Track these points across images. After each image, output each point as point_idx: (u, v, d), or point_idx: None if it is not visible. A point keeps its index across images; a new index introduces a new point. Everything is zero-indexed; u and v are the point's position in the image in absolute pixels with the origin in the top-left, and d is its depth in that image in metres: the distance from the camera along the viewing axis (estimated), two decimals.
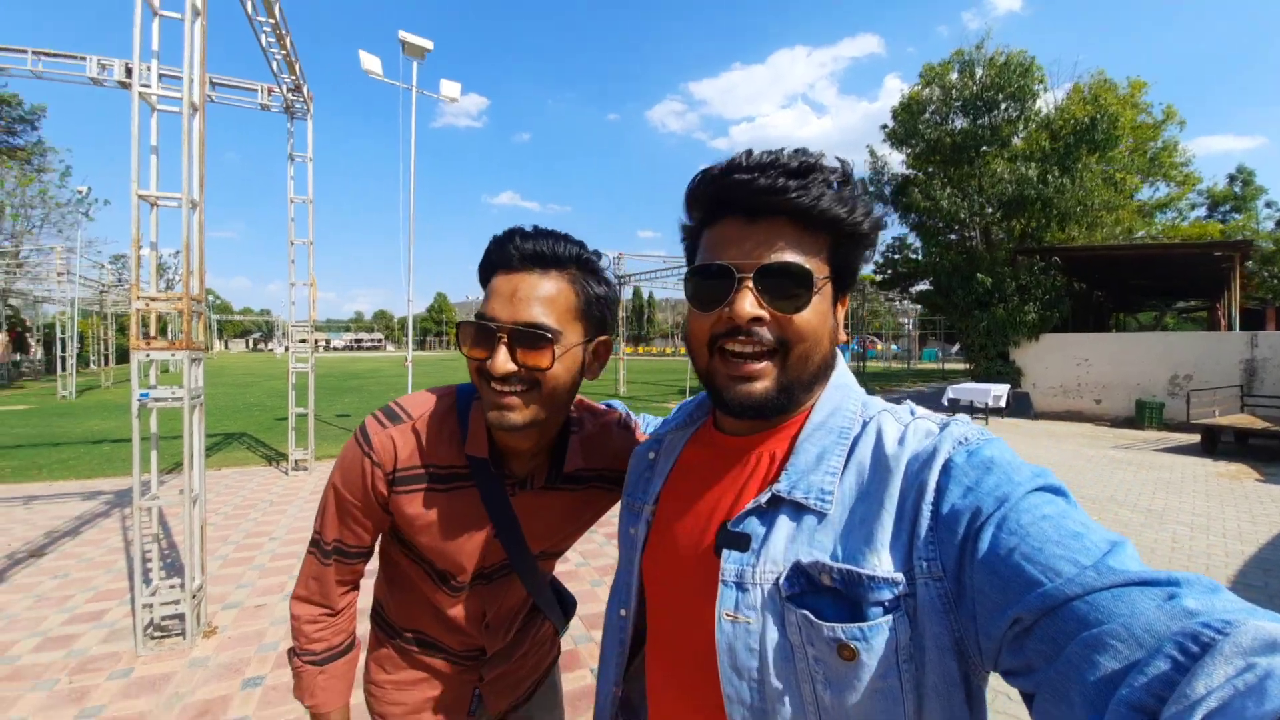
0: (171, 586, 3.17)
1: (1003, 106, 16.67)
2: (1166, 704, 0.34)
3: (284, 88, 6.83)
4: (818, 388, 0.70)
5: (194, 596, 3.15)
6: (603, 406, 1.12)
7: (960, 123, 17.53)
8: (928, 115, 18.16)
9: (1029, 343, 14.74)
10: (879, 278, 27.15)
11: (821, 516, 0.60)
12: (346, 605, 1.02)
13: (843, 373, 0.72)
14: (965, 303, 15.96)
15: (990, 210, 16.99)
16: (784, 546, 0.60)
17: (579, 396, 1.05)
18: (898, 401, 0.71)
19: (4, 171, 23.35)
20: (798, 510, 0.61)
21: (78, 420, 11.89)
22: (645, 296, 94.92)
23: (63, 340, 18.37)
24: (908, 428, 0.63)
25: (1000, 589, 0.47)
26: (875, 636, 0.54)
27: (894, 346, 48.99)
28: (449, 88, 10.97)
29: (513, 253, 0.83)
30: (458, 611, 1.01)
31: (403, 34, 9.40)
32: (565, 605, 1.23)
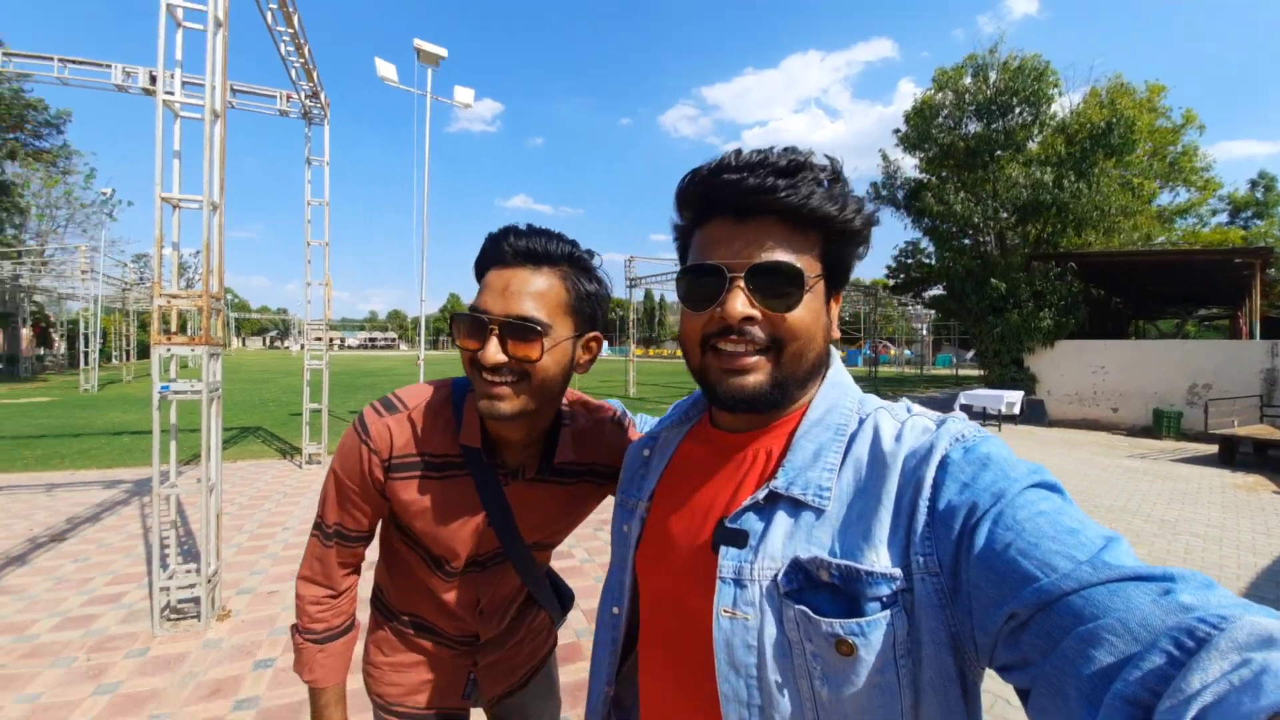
0: (188, 571, 3.28)
1: (1017, 111, 16.48)
2: (1161, 698, 0.35)
3: (302, 94, 7.01)
4: (812, 385, 0.70)
5: (209, 581, 3.27)
6: (597, 402, 1.13)
7: (974, 127, 17.36)
8: (941, 119, 18.01)
9: (1044, 349, 14.55)
10: (892, 282, 26.98)
11: (819, 512, 0.60)
12: (348, 588, 1.05)
13: (839, 370, 0.72)
14: (979, 308, 15.80)
15: (1005, 215, 16.80)
16: (782, 543, 0.60)
17: (576, 391, 1.09)
18: (887, 397, 0.71)
19: (31, 173, 24.05)
20: (795, 506, 0.62)
21: (99, 412, 12.22)
22: (657, 299, 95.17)
23: (86, 335, 18.90)
24: (904, 425, 0.63)
25: (996, 584, 0.48)
26: (873, 632, 0.54)
27: (907, 352, 48.54)
28: (462, 94, 11.14)
29: (506, 249, 0.86)
30: (452, 596, 1.04)
31: (418, 42, 9.58)
32: (563, 597, 1.25)
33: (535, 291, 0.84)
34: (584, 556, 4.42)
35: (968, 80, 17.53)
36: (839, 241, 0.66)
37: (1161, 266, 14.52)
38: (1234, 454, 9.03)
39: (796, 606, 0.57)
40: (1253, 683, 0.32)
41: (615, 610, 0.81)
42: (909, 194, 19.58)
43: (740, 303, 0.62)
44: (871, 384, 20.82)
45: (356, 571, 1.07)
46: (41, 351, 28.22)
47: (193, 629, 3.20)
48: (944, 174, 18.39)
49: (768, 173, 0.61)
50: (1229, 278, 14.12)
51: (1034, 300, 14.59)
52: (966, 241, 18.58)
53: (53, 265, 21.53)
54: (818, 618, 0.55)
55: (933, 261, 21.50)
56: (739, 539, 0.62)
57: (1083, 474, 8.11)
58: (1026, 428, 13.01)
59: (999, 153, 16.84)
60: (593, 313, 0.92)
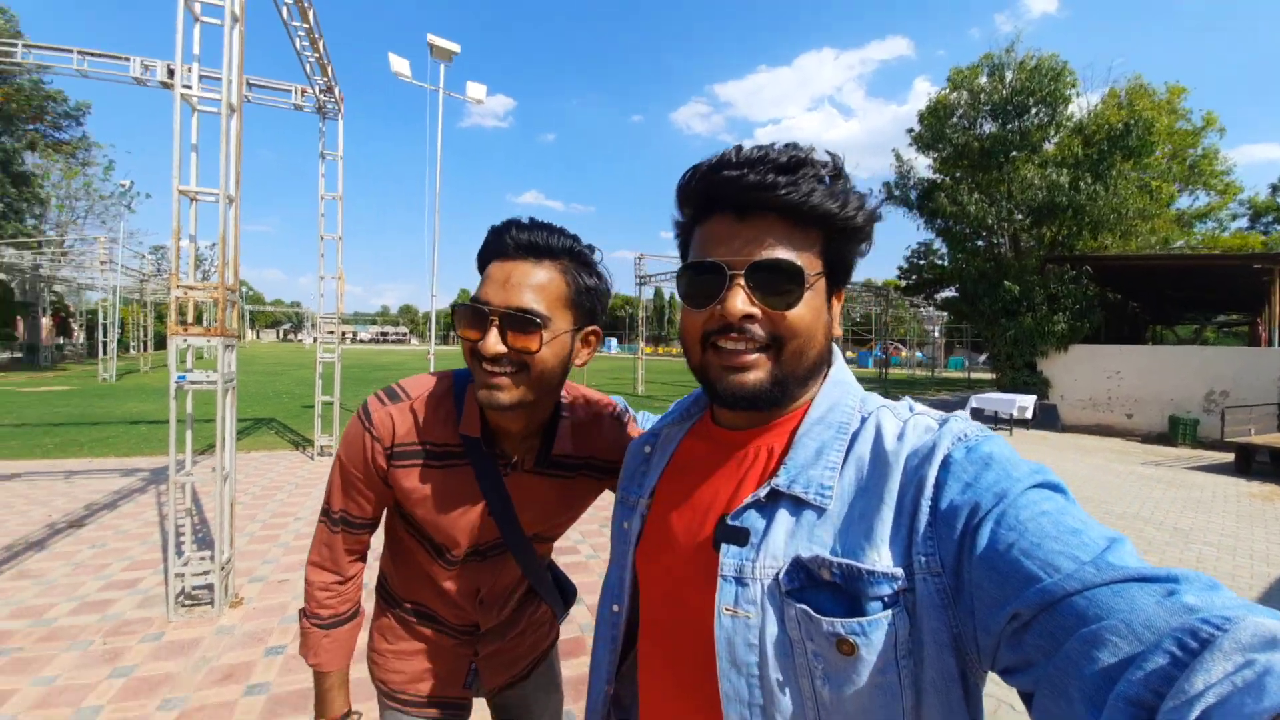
0: (202, 558, 3.35)
1: (1033, 111, 16.29)
2: (1165, 699, 0.34)
3: (316, 89, 7.08)
4: (813, 383, 0.69)
5: (223, 569, 3.32)
6: (597, 396, 1.14)
7: (989, 127, 17.20)
8: (955, 119, 17.85)
9: (1057, 353, 14.40)
10: (903, 283, 26.77)
11: (821, 511, 0.60)
12: (355, 574, 1.08)
13: (841, 369, 0.71)
14: (992, 311, 15.67)
15: (1019, 217, 16.64)
16: (784, 541, 0.60)
17: (577, 385, 1.10)
18: (897, 398, 0.71)
19: (51, 165, 24.47)
20: (797, 505, 0.61)
21: (117, 401, 12.44)
22: (666, 297, 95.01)
23: (104, 326, 19.19)
24: (907, 423, 0.62)
25: (999, 584, 0.47)
26: (874, 631, 0.53)
27: (919, 354, 48.16)
28: (474, 89, 11.21)
29: (508, 242, 0.87)
30: (453, 585, 1.06)
31: (431, 37, 9.66)
32: (565, 592, 1.25)
33: (536, 284, 0.86)
34: (589, 552, 4.45)
35: (983, 80, 17.35)
36: (840, 239, 0.65)
37: (1179, 271, 14.32)
38: (1250, 462, 8.89)
39: (798, 605, 0.57)
40: (1256, 684, 0.32)
41: (615, 608, 0.80)
42: (922, 194, 19.45)
43: (740, 300, 0.62)
44: (882, 386, 20.69)
45: (363, 559, 1.09)
46: (61, 341, 28.74)
47: (206, 615, 3.26)
48: (958, 174, 18.24)
49: (768, 169, 0.61)
50: (1248, 283, 13.89)
51: (1048, 303, 14.44)
52: (980, 243, 18.43)
53: (72, 256, 21.93)
54: (819, 617, 0.55)
55: (945, 263, 21.32)
56: (740, 537, 0.62)
57: (1096, 480, 8.02)
58: (1039, 433, 12.87)
59: (1014, 153, 16.66)
60: (592, 307, 0.93)
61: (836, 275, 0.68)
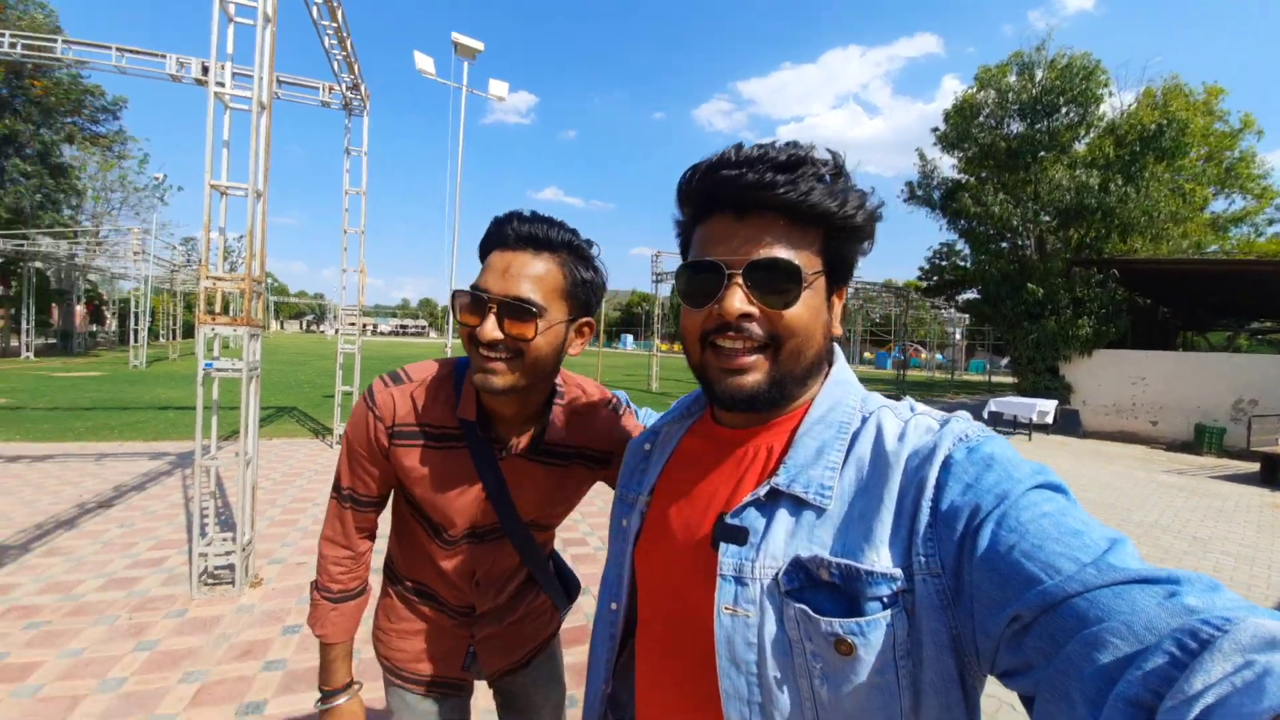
0: (224, 539, 3.47)
1: (1063, 111, 15.86)
2: (1164, 699, 0.34)
3: (343, 86, 7.22)
4: (813, 382, 0.69)
5: (244, 550, 3.44)
6: (594, 387, 1.15)
7: (1017, 127, 16.81)
8: (982, 119, 17.45)
9: (1081, 358, 14.12)
10: (924, 284, 26.39)
11: (821, 511, 0.60)
12: (364, 551, 1.12)
13: (842, 368, 0.71)
14: (1014, 314, 15.39)
15: (1046, 218, 16.27)
16: (783, 541, 0.60)
17: (576, 376, 1.14)
18: (898, 398, 0.71)
19: (87, 157, 25.20)
20: (797, 504, 0.61)
21: (147, 388, 12.83)
22: None
23: (136, 314, 19.78)
24: (908, 424, 0.62)
25: (999, 586, 0.47)
26: (873, 632, 0.53)
27: (939, 356, 47.43)
28: (497, 87, 11.32)
29: (509, 232, 0.90)
30: (450, 565, 1.09)
31: (455, 35, 9.78)
32: (568, 585, 1.28)
33: (533, 275, 0.89)
34: (598, 544, 4.50)
35: (1012, 79, 16.95)
36: (840, 237, 0.65)
37: (1212, 276, 13.89)
38: (1276, 472, 8.66)
39: (797, 605, 0.57)
40: (1255, 684, 0.32)
41: (613, 605, 0.80)
42: (945, 194, 19.10)
43: (738, 299, 0.62)
44: (899, 388, 20.44)
45: (371, 537, 1.15)
46: (94, 328, 29.65)
47: (227, 594, 3.39)
48: (983, 174, 17.87)
49: (767, 168, 0.61)
50: None
51: (1073, 307, 14.14)
52: (1004, 245, 18.05)
53: (106, 246, 22.56)
54: (817, 617, 0.55)
55: (968, 264, 20.95)
56: (739, 535, 0.62)
57: (1116, 487, 7.88)
58: (1060, 438, 12.65)
59: (1042, 154, 16.26)
60: (587, 299, 0.96)
61: (837, 274, 0.68)
